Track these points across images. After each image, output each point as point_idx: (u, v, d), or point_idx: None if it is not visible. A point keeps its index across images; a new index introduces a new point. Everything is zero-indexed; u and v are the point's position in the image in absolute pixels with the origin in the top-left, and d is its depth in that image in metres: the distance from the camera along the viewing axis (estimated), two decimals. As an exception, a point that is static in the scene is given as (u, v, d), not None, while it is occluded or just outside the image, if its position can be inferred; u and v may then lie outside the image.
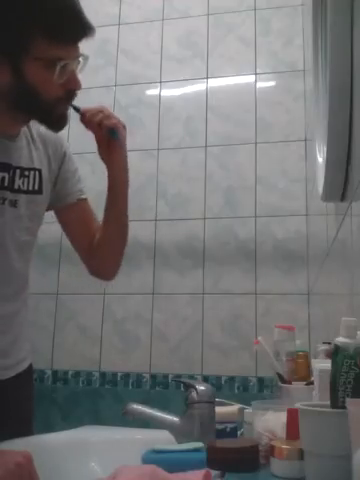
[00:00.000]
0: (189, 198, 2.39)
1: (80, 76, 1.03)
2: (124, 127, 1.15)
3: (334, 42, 0.96)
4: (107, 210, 1.22)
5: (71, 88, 1.01)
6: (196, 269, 2.32)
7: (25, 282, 1.20)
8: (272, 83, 2.46)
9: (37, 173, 1.14)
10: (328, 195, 1.16)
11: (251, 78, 2.46)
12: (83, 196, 1.25)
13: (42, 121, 1.06)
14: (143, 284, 2.35)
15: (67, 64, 0.97)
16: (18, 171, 1.09)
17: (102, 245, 1.23)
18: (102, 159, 1.16)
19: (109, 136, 1.12)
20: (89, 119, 1.11)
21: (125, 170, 1.19)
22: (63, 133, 1.19)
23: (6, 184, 1.06)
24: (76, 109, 1.09)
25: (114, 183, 1.19)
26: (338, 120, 0.98)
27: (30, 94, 0.98)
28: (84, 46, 1.01)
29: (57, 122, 1.05)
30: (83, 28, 0.98)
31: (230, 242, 2.32)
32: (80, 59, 1.01)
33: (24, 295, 1.20)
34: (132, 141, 2.62)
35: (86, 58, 1.02)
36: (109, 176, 1.18)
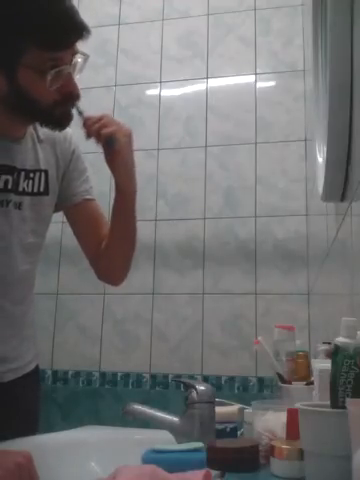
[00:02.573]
0: (189, 198, 2.39)
1: (80, 75, 1.02)
2: (128, 134, 1.11)
3: (334, 42, 0.96)
4: (114, 216, 1.19)
5: (67, 92, 1.00)
6: (196, 269, 2.32)
7: (32, 284, 1.20)
8: (272, 83, 2.46)
9: (43, 174, 1.13)
10: (328, 195, 1.16)
11: (251, 78, 2.46)
12: (89, 196, 1.23)
13: (43, 123, 1.06)
14: (143, 284, 2.35)
15: (61, 70, 0.96)
16: (23, 173, 1.09)
17: (109, 250, 1.21)
18: (108, 167, 1.14)
19: (107, 144, 1.10)
20: (89, 128, 1.09)
21: (129, 178, 1.15)
22: (69, 132, 1.19)
23: (10, 186, 1.06)
24: (79, 113, 1.07)
25: (119, 190, 1.16)
26: (338, 120, 0.98)
27: (26, 100, 0.97)
28: (84, 46, 1.00)
29: (59, 122, 1.04)
30: (76, 32, 0.96)
31: (230, 242, 2.32)
32: (78, 60, 1.00)
33: (30, 297, 1.20)
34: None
35: (86, 57, 1.01)
36: (115, 183, 1.16)
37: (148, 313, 2.33)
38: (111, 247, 1.21)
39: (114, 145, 1.09)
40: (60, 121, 1.04)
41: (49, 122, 1.04)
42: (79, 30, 0.97)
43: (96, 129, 1.08)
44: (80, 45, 1.00)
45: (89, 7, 2.59)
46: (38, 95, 0.97)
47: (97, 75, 2.55)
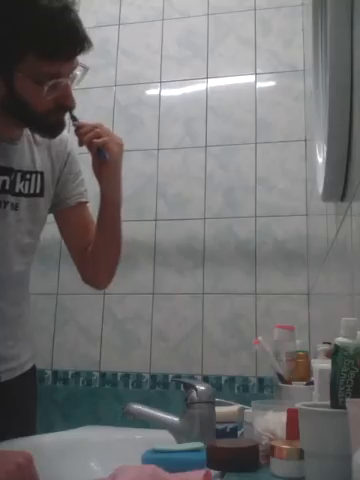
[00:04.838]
0: (189, 198, 2.39)
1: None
2: (119, 145, 1.13)
3: (334, 42, 0.96)
4: (99, 223, 1.21)
5: (62, 103, 1.00)
6: (196, 269, 2.32)
7: (27, 284, 1.20)
8: (272, 83, 2.46)
9: (39, 176, 1.14)
10: (328, 195, 1.16)
11: (251, 78, 2.46)
12: (83, 199, 1.24)
13: (36, 130, 1.07)
14: (143, 284, 2.35)
15: (58, 82, 0.96)
16: (19, 174, 1.09)
17: (94, 256, 1.23)
18: (95, 175, 1.15)
19: (98, 154, 1.11)
20: (82, 136, 1.10)
21: (115, 189, 1.17)
22: (65, 135, 1.19)
23: (7, 187, 1.07)
24: (73, 119, 1.08)
25: (105, 199, 1.18)
26: (338, 120, 0.98)
27: (21, 106, 0.98)
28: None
29: (52, 130, 1.05)
30: (77, 45, 0.96)
31: (230, 242, 2.31)
32: (77, 72, 1.00)
33: (26, 297, 1.20)
34: (132, 141, 2.62)
35: (86, 69, 1.02)
36: (101, 192, 1.17)
37: (148, 313, 2.33)
38: (96, 253, 1.22)
39: (105, 156, 1.10)
40: (52, 129, 1.05)
41: (41, 129, 1.05)
42: (79, 44, 0.96)
43: (89, 138, 1.09)
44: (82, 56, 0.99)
45: (89, 7, 2.59)
46: (33, 103, 0.97)
47: (97, 75, 2.55)
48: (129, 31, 2.63)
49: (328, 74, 1.00)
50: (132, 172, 2.39)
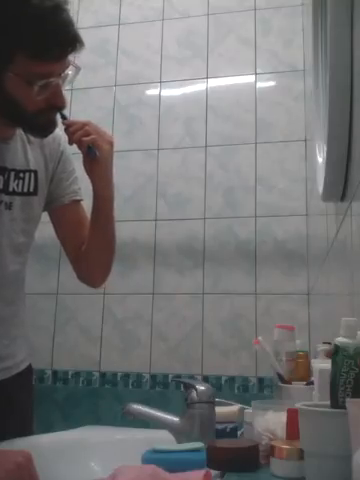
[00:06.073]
0: (189, 198, 2.39)
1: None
2: (109, 143, 1.13)
3: (334, 42, 0.96)
4: (92, 221, 1.21)
5: (53, 103, 1.00)
6: (196, 269, 2.32)
7: (22, 284, 1.20)
8: (272, 83, 2.46)
9: (32, 175, 1.14)
10: (328, 195, 1.17)
11: (251, 78, 2.46)
12: (77, 197, 1.24)
13: (27, 130, 1.06)
14: (143, 284, 2.35)
15: (49, 82, 0.95)
16: (13, 173, 1.09)
17: (88, 254, 1.23)
18: (86, 173, 1.15)
19: (88, 152, 1.11)
20: (71, 134, 1.10)
21: (106, 187, 1.17)
22: (58, 134, 1.19)
23: (1, 187, 1.07)
24: (63, 117, 1.08)
25: (97, 198, 1.18)
26: (338, 120, 0.98)
27: (12, 106, 0.97)
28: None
29: (43, 130, 1.05)
30: (68, 45, 0.95)
31: (230, 242, 2.31)
32: (69, 72, 1.00)
33: (21, 297, 1.20)
34: (132, 141, 2.62)
35: (78, 69, 1.01)
36: (93, 190, 1.17)
37: (148, 313, 2.33)
38: (90, 251, 1.22)
39: (95, 153, 1.10)
40: (43, 129, 1.04)
41: (32, 129, 1.05)
42: (70, 44, 0.95)
43: (78, 136, 1.09)
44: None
45: (89, 7, 2.59)
46: (24, 103, 0.97)
47: (97, 75, 2.55)
48: (129, 31, 2.63)
49: (328, 74, 1.00)
50: (132, 172, 2.39)
